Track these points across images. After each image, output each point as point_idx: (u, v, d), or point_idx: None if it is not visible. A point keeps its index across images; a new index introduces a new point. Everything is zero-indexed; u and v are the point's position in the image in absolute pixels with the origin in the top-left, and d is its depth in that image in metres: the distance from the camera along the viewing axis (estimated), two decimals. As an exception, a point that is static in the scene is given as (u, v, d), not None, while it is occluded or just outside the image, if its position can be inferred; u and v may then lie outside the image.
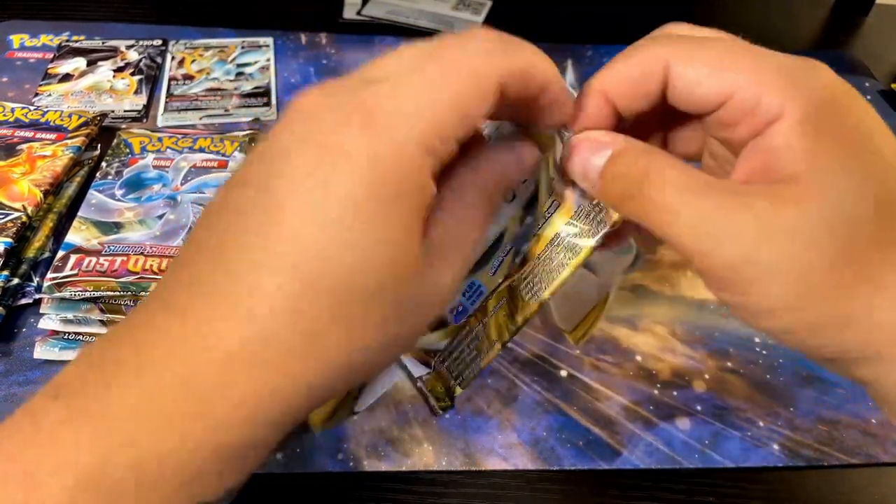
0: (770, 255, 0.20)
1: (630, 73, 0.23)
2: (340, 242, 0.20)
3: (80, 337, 0.35)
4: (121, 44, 0.55)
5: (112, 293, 0.34)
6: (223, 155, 0.42)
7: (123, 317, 0.35)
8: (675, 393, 0.36)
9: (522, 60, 0.21)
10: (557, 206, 0.27)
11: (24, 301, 0.36)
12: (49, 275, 0.35)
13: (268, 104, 0.51)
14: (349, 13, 0.61)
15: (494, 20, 0.61)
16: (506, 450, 0.33)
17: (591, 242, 0.26)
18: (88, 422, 0.19)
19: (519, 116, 0.24)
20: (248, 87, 0.52)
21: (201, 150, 0.43)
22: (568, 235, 0.27)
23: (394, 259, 0.20)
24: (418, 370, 0.28)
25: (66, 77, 0.52)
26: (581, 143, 0.23)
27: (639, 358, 0.38)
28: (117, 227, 0.37)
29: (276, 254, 0.19)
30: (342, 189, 0.19)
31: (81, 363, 0.20)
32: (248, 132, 0.45)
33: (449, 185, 0.23)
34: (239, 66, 0.54)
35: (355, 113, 0.20)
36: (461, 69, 0.20)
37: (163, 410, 0.19)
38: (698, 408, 0.36)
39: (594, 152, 0.23)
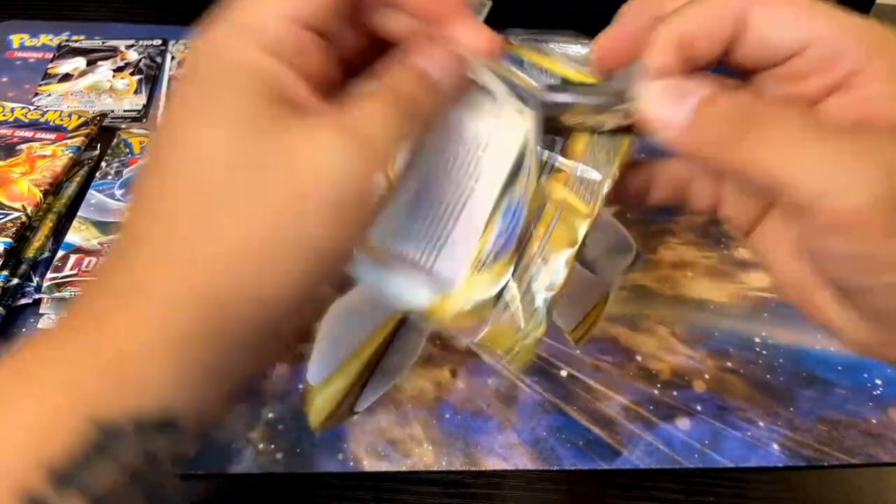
0: None
1: (705, 20, 0.21)
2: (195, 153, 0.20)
3: (80, 337, 0.35)
4: (121, 44, 0.55)
5: (112, 293, 0.34)
6: (223, 155, 0.42)
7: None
8: (675, 393, 0.36)
9: None
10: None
11: (24, 301, 0.36)
12: (49, 275, 0.35)
13: (268, 104, 0.51)
14: (349, 13, 0.61)
15: (494, 20, 0.61)
16: (506, 450, 0.33)
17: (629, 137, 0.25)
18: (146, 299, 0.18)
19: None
20: (247, 87, 0.52)
21: (201, 150, 0.43)
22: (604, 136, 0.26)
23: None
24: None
25: (66, 77, 0.51)
26: (664, 89, 0.21)
27: (639, 358, 0.38)
28: (117, 227, 0.37)
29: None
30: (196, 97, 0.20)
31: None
32: (247, 132, 0.45)
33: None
34: (239, 66, 0.54)
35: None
36: None
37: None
38: (698, 408, 0.36)
39: (679, 98, 0.21)
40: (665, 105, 0.21)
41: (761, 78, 0.22)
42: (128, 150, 0.42)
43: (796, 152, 0.19)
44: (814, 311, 0.23)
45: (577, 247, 0.27)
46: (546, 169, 0.26)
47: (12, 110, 0.44)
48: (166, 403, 0.18)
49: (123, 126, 0.47)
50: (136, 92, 0.51)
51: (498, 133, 0.26)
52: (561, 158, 0.27)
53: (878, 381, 0.37)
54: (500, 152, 0.26)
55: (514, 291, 0.26)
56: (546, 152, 0.26)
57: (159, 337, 0.18)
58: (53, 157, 0.41)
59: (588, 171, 0.27)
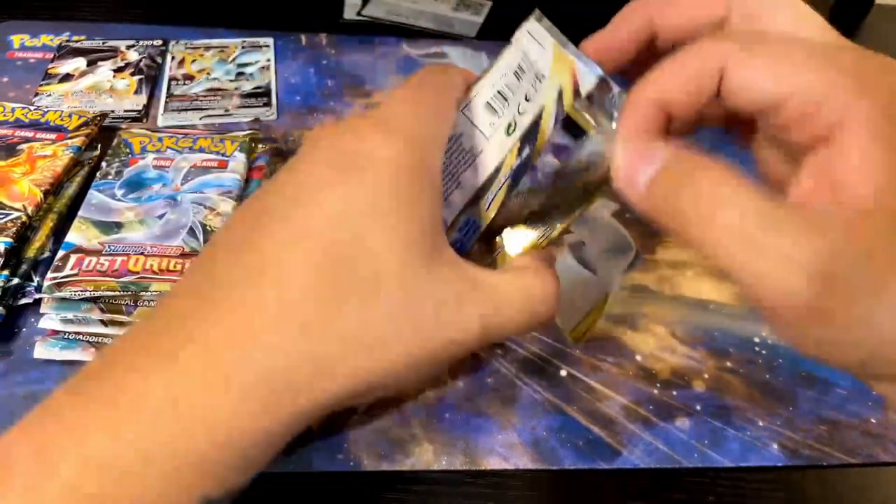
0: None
1: (681, 78, 0.21)
2: (370, 226, 0.21)
3: (81, 337, 0.35)
4: (121, 44, 0.55)
5: (112, 293, 0.34)
6: (223, 155, 0.42)
7: (124, 317, 0.35)
8: (674, 393, 0.36)
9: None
10: (581, 167, 0.26)
11: (24, 301, 0.36)
12: (49, 275, 0.35)
13: (268, 104, 0.51)
14: (349, 13, 0.61)
15: (494, 20, 0.61)
16: (506, 450, 0.33)
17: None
18: (100, 414, 0.19)
19: None
20: (248, 87, 0.52)
21: (201, 150, 0.42)
22: (573, 171, 0.27)
23: (419, 240, 0.21)
24: None
25: (67, 77, 0.52)
26: (627, 151, 0.21)
27: (639, 358, 0.38)
28: (117, 226, 0.37)
29: (298, 236, 0.20)
30: (365, 192, 0.21)
31: (82, 387, 0.20)
32: (248, 132, 0.45)
33: None
34: (239, 66, 0.54)
35: (372, 125, 0.22)
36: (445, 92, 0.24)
37: (171, 426, 0.19)
38: (698, 407, 0.36)
39: (641, 161, 0.21)
40: (627, 168, 0.21)
41: (760, 121, 0.22)
42: (128, 150, 0.42)
43: (737, 240, 0.18)
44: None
45: None
46: (516, 193, 0.27)
47: (13, 110, 0.44)
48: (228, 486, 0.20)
49: (124, 126, 0.47)
50: (136, 92, 0.51)
51: (488, 147, 0.26)
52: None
53: (878, 381, 0.37)
54: (481, 165, 0.26)
55: None
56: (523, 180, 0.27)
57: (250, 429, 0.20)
58: (54, 157, 0.41)
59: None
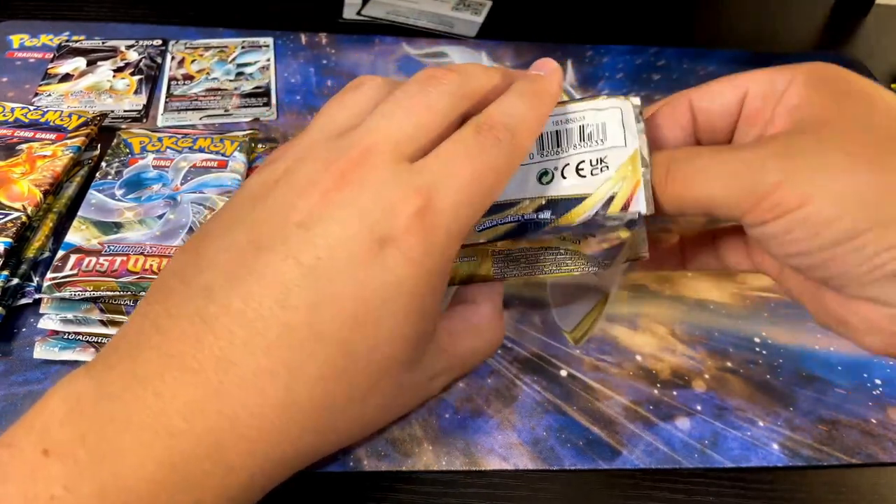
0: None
1: (666, 119, 0.27)
2: (380, 328, 0.21)
3: (80, 337, 0.35)
4: (121, 44, 0.55)
5: (112, 293, 0.34)
6: (223, 155, 0.42)
7: (123, 317, 0.35)
8: (675, 393, 0.36)
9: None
10: (576, 241, 0.27)
11: (23, 301, 0.36)
12: (49, 275, 0.35)
13: (268, 104, 0.51)
14: (349, 13, 0.61)
15: (494, 20, 0.61)
16: (506, 450, 0.33)
17: (576, 273, 0.28)
18: (94, 484, 0.18)
19: None
20: (248, 87, 0.52)
21: (201, 150, 0.42)
22: (564, 256, 0.27)
23: (419, 342, 0.23)
24: None
25: (66, 77, 0.52)
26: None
27: (639, 358, 0.38)
28: (117, 227, 0.37)
29: (314, 331, 0.20)
30: (392, 281, 0.21)
31: (69, 423, 0.19)
32: (247, 132, 0.45)
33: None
34: (239, 66, 0.54)
35: (414, 191, 0.21)
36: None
37: (183, 476, 0.19)
38: (698, 408, 0.36)
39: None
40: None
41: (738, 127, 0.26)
42: (128, 150, 0.42)
43: (706, 178, 0.23)
44: (831, 320, 0.26)
45: None
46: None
47: (12, 110, 0.44)
48: None
49: (124, 126, 0.47)
50: (136, 92, 0.51)
51: (515, 176, 0.26)
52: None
53: (878, 381, 0.37)
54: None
55: None
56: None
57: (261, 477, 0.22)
58: (54, 157, 0.41)
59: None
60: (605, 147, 0.25)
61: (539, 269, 0.28)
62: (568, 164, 0.26)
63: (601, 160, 0.25)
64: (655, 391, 0.36)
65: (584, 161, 0.26)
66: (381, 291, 0.20)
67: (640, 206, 0.25)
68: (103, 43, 0.55)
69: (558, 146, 0.26)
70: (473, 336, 0.27)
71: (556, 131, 0.26)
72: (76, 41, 0.55)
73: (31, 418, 0.19)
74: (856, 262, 0.21)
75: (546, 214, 0.26)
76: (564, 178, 0.26)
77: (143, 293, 0.34)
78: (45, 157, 0.41)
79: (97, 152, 0.44)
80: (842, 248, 0.21)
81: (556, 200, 0.26)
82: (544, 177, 0.26)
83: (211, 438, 0.19)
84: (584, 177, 0.25)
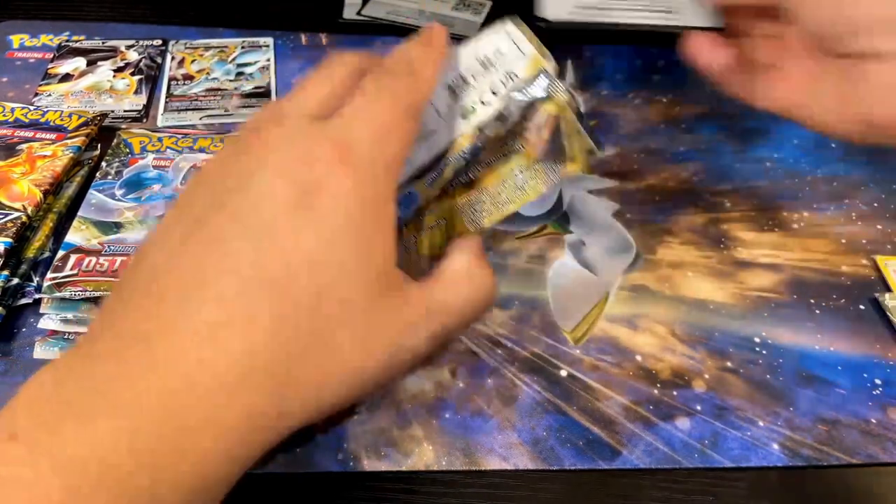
0: None
1: None
2: (326, 269, 0.21)
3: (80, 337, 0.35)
4: (121, 44, 0.55)
5: (112, 293, 0.34)
6: (223, 155, 0.42)
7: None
8: (675, 393, 0.36)
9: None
10: (521, 150, 0.28)
11: (24, 301, 0.36)
12: (49, 275, 0.35)
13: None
14: (349, 13, 0.61)
15: (494, 20, 0.61)
16: (506, 450, 0.33)
17: (542, 189, 0.28)
18: (55, 464, 0.18)
19: None
20: (248, 87, 0.52)
21: (201, 150, 0.43)
22: (522, 176, 0.28)
23: (375, 279, 0.22)
24: None
25: (66, 77, 0.52)
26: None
27: (639, 358, 0.38)
28: (117, 227, 0.37)
29: (261, 281, 0.20)
30: (328, 222, 0.21)
31: (36, 400, 0.19)
32: (248, 132, 0.45)
33: None
34: (239, 66, 0.54)
35: (330, 147, 0.22)
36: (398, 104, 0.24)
37: (143, 446, 0.18)
38: (698, 408, 0.36)
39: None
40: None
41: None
42: (128, 150, 0.42)
43: None
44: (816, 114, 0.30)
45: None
46: (455, 181, 0.28)
47: (12, 110, 0.44)
48: None
49: (124, 126, 0.47)
50: (136, 92, 0.51)
51: (442, 127, 0.28)
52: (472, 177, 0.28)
53: (878, 381, 0.37)
54: (433, 143, 0.28)
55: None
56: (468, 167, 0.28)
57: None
58: (54, 157, 0.41)
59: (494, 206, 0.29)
60: (508, 63, 0.28)
61: (506, 201, 0.29)
62: (484, 92, 0.28)
63: (509, 74, 0.28)
64: (655, 391, 0.36)
65: (494, 83, 0.28)
66: (318, 234, 0.21)
67: (545, 63, 0.27)
68: (103, 43, 0.55)
69: (467, 84, 0.28)
70: (459, 284, 0.26)
71: (461, 75, 0.28)
72: (76, 41, 0.55)
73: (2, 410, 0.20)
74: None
75: (478, 140, 0.28)
76: (484, 103, 0.28)
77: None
78: (45, 157, 0.41)
79: (97, 152, 0.44)
80: None
81: (484, 124, 0.28)
82: (468, 114, 0.28)
83: (168, 401, 0.19)
84: (498, 93, 0.28)
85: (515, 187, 0.28)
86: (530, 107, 0.27)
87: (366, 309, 0.22)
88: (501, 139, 0.28)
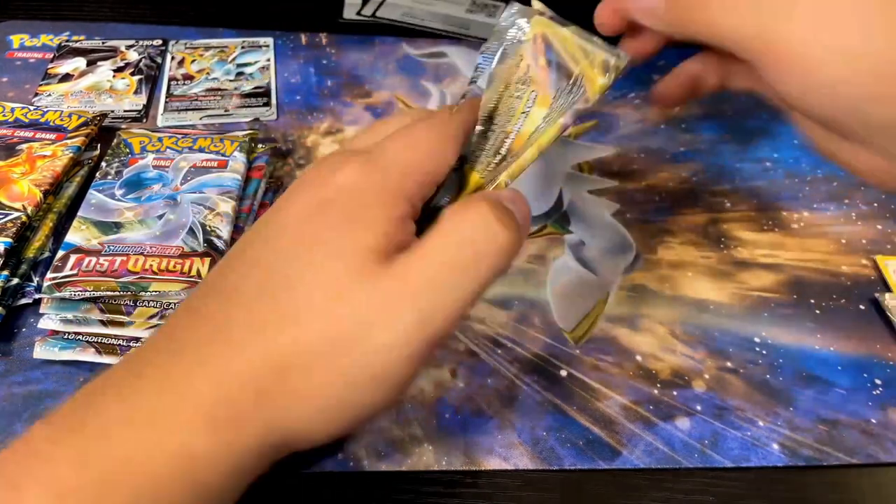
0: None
1: None
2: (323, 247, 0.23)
3: (80, 337, 0.35)
4: (121, 44, 0.55)
5: (112, 293, 0.34)
6: (223, 155, 0.42)
7: (123, 317, 0.35)
8: (675, 393, 0.36)
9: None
10: (535, 98, 0.27)
11: (23, 301, 0.37)
12: (49, 275, 0.35)
13: (268, 104, 0.51)
14: (349, 13, 0.61)
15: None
16: (506, 450, 0.33)
17: (561, 120, 0.26)
18: (68, 441, 0.20)
19: None
20: (248, 87, 0.52)
21: (201, 150, 0.42)
22: (544, 125, 0.27)
23: (386, 231, 0.23)
24: None
25: (66, 77, 0.52)
26: None
27: (639, 358, 0.38)
28: (117, 227, 0.37)
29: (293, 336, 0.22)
30: (339, 181, 0.24)
31: (75, 411, 0.21)
32: (247, 132, 0.45)
33: None
34: (239, 66, 0.54)
35: (353, 156, 0.25)
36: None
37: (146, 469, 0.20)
38: (698, 408, 0.36)
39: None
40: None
41: None
42: (128, 150, 0.42)
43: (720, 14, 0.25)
44: (840, 159, 0.28)
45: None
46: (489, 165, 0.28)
47: (12, 110, 0.44)
48: None
49: (123, 126, 0.47)
50: (136, 92, 0.51)
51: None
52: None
53: (878, 381, 0.37)
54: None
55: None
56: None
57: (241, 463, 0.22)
58: (54, 157, 0.41)
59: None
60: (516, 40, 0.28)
61: (523, 148, 0.27)
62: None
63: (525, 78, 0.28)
64: (655, 391, 0.36)
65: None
66: (333, 193, 0.24)
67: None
68: (103, 43, 0.55)
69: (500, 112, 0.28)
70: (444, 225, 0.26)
71: (498, 103, 0.28)
72: (76, 41, 0.55)
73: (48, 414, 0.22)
74: (845, 108, 0.24)
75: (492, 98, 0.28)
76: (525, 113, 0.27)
77: (144, 293, 0.34)
78: (45, 157, 0.41)
79: (97, 152, 0.44)
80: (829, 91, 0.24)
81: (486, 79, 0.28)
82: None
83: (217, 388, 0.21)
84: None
85: (540, 133, 0.27)
86: (518, 45, 0.27)
87: (378, 259, 0.23)
88: (512, 100, 0.27)
